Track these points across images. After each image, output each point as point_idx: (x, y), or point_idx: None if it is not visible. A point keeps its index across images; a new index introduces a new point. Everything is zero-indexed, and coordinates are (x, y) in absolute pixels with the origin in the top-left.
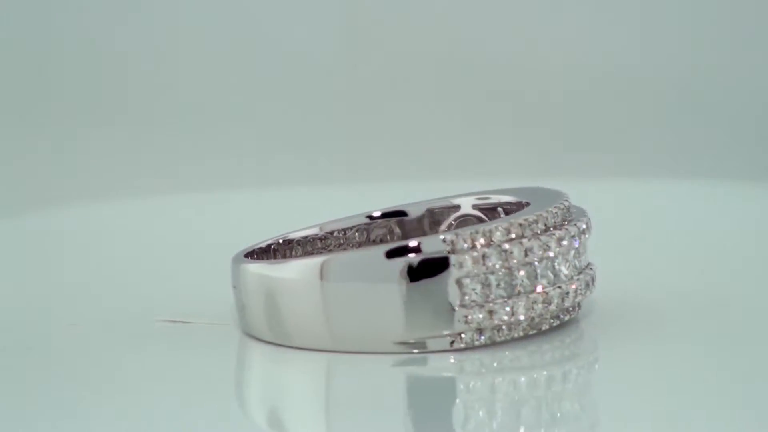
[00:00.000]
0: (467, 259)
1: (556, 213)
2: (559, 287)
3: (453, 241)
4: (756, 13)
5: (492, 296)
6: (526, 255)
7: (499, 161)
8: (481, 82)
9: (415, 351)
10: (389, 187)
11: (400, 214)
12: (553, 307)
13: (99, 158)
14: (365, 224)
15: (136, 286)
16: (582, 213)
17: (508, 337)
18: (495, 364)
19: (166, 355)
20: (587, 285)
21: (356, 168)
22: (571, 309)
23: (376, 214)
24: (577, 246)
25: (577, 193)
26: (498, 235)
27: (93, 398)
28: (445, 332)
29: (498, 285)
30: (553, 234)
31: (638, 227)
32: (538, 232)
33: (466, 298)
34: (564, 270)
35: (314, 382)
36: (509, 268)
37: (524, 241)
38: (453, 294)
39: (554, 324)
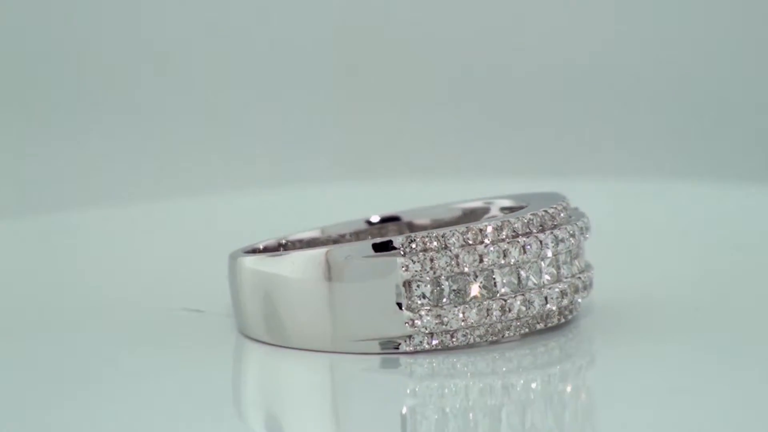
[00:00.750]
0: (415, 262)
1: (531, 219)
2: (522, 295)
3: (402, 244)
4: (756, 13)
5: (444, 301)
6: (481, 261)
7: (499, 162)
8: (480, 82)
9: (367, 351)
10: (391, 190)
11: (396, 219)
12: (512, 315)
13: (102, 160)
14: (378, 228)
15: (134, 287)
16: (576, 219)
17: (462, 343)
18: (447, 370)
19: (160, 358)
20: (562, 294)
21: (354, 170)
22: (546, 317)
23: (375, 219)
24: (550, 255)
25: (578, 193)
26: (452, 240)
27: (84, 400)
28: (393, 334)
29: (453, 290)
30: (517, 242)
31: (637, 228)
32: (503, 238)
33: (415, 301)
34: (533, 278)
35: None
36: (463, 274)
37: (479, 247)
38: (400, 296)
39: (522, 332)
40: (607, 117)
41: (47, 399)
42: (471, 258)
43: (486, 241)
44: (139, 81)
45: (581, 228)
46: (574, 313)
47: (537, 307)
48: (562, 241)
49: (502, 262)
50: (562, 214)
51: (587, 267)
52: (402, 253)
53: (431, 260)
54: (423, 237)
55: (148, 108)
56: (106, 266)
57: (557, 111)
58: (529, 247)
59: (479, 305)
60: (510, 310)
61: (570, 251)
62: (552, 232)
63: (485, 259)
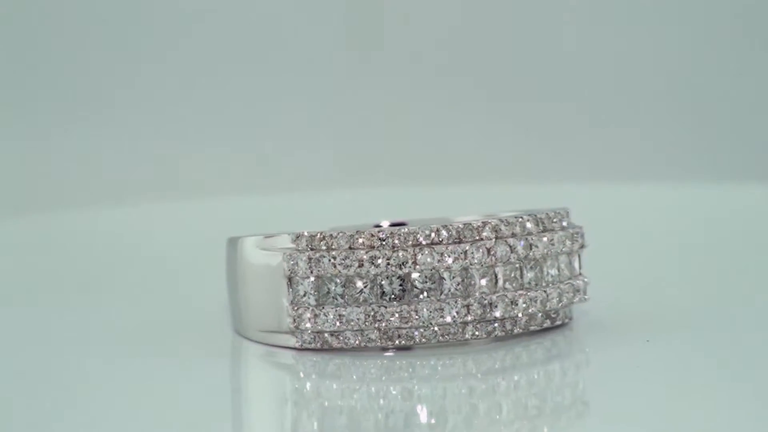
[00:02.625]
0: (299, 260)
1: (438, 230)
2: (408, 305)
3: (292, 240)
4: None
5: (329, 301)
6: (360, 265)
7: (499, 164)
8: (481, 84)
9: (268, 343)
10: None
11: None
12: (394, 323)
13: (101, 160)
14: None
15: (132, 289)
16: (532, 235)
17: (348, 345)
18: (327, 369)
19: (156, 360)
20: (468, 309)
21: (353, 174)
22: (455, 332)
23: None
24: (456, 267)
25: (572, 196)
26: (341, 242)
27: (80, 401)
28: (283, 329)
29: (339, 292)
30: (406, 251)
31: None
32: (395, 245)
33: (299, 298)
34: (428, 290)
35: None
36: (351, 276)
37: (359, 251)
38: (285, 292)
39: (420, 341)
40: (602, 120)
41: (46, 399)
42: (350, 261)
43: (377, 245)
44: (150, 81)
45: (525, 245)
46: (515, 329)
47: (425, 317)
48: (471, 254)
49: (385, 269)
50: (517, 227)
51: (540, 284)
52: (296, 248)
53: (309, 259)
54: (311, 235)
55: (158, 109)
56: (104, 267)
57: (556, 114)
58: (421, 256)
59: (359, 309)
60: (392, 317)
61: (487, 266)
62: (460, 246)
63: (365, 264)
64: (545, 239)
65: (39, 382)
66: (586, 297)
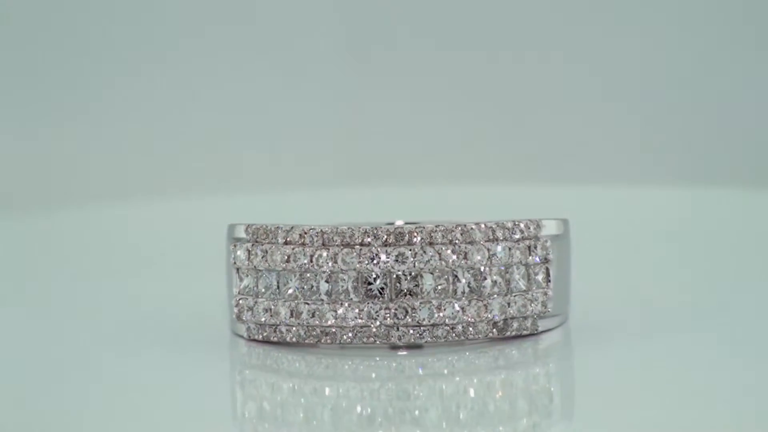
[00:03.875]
0: (240, 252)
1: (367, 231)
2: (330, 303)
3: (246, 232)
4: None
5: (267, 294)
6: (287, 261)
7: (496, 167)
8: (478, 86)
9: (236, 333)
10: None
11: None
12: (316, 321)
13: (112, 159)
14: None
15: (131, 289)
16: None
17: (281, 339)
18: (266, 363)
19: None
20: (389, 312)
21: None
22: (385, 336)
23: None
24: (377, 271)
25: (566, 199)
26: (279, 238)
27: (76, 401)
28: (235, 319)
29: (275, 285)
30: (327, 249)
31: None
32: (322, 242)
33: (245, 289)
34: (352, 291)
35: None
36: (279, 272)
37: (286, 247)
38: (234, 282)
39: (344, 341)
40: (597, 123)
41: (41, 398)
42: (277, 256)
43: (316, 243)
44: (157, 80)
45: (458, 252)
46: (449, 337)
47: (342, 317)
48: (395, 258)
49: (308, 267)
50: (457, 235)
51: (480, 294)
52: (245, 239)
53: (248, 251)
54: (257, 229)
55: (159, 108)
56: (103, 270)
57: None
58: (341, 257)
59: (285, 305)
60: (312, 316)
61: (414, 271)
62: (387, 248)
63: (291, 260)
64: (486, 249)
65: (35, 382)
66: (546, 310)
